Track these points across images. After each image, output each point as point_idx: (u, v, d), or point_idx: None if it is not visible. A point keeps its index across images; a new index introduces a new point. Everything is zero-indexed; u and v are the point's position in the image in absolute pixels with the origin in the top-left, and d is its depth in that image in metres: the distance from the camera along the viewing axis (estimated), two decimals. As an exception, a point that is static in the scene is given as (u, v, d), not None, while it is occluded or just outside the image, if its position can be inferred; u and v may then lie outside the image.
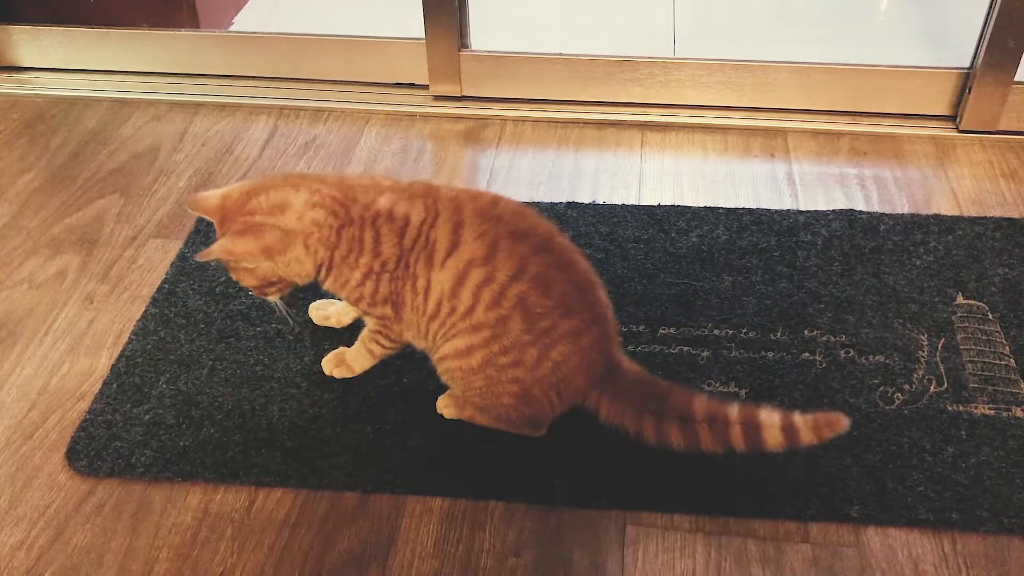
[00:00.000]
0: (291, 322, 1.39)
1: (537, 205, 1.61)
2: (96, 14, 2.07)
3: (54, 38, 2.00)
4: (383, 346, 1.25)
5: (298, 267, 1.16)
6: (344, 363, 1.31)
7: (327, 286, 1.20)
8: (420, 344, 1.21)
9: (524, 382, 1.13)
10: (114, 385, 1.31)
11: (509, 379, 1.13)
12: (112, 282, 1.50)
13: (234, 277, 1.20)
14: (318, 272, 1.18)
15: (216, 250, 1.13)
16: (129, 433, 1.24)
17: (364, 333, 1.26)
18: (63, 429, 1.26)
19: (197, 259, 1.15)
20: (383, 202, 1.15)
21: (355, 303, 1.20)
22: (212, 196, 1.17)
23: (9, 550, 1.12)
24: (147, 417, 1.26)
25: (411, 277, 1.14)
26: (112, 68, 2.02)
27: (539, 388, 1.14)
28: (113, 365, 1.34)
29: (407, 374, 1.31)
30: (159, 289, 1.47)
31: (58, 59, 2.03)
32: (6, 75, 2.03)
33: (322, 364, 1.32)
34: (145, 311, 1.43)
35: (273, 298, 1.22)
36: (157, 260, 1.54)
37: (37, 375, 1.34)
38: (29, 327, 1.42)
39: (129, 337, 1.39)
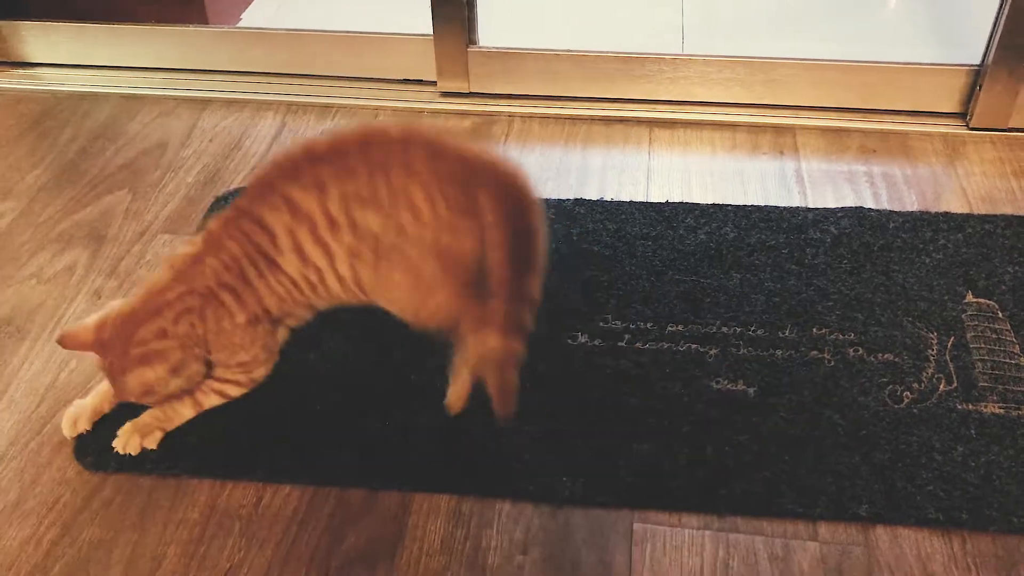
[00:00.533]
0: None
1: (544, 202, 1.61)
2: (105, 10, 2.07)
3: (63, 34, 2.01)
4: (241, 384, 1.26)
5: (195, 377, 1.22)
6: (151, 431, 1.23)
7: (214, 358, 1.22)
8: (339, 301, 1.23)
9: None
10: (122, 381, 1.31)
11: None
12: (120, 277, 1.50)
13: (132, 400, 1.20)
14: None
15: (143, 381, 1.16)
16: (137, 429, 1.24)
17: (205, 384, 1.25)
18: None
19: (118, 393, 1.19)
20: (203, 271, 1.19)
21: (247, 348, 1.22)
22: (86, 331, 1.18)
23: (18, 544, 1.12)
24: (155, 413, 1.26)
25: (286, 275, 1.18)
26: (121, 64, 2.02)
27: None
28: (121, 361, 1.34)
29: (414, 371, 1.30)
30: (167, 285, 1.47)
31: (67, 55, 2.03)
32: (16, 71, 2.03)
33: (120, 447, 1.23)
34: (153, 307, 1.43)
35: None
36: (164, 256, 1.54)
37: (45, 370, 1.35)
38: (38, 322, 1.43)
39: (137, 333, 1.39)
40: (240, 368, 1.24)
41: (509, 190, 1.15)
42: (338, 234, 1.14)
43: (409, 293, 1.18)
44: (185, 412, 1.24)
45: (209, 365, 1.23)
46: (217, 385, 1.25)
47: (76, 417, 1.25)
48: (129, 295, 1.22)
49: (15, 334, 1.41)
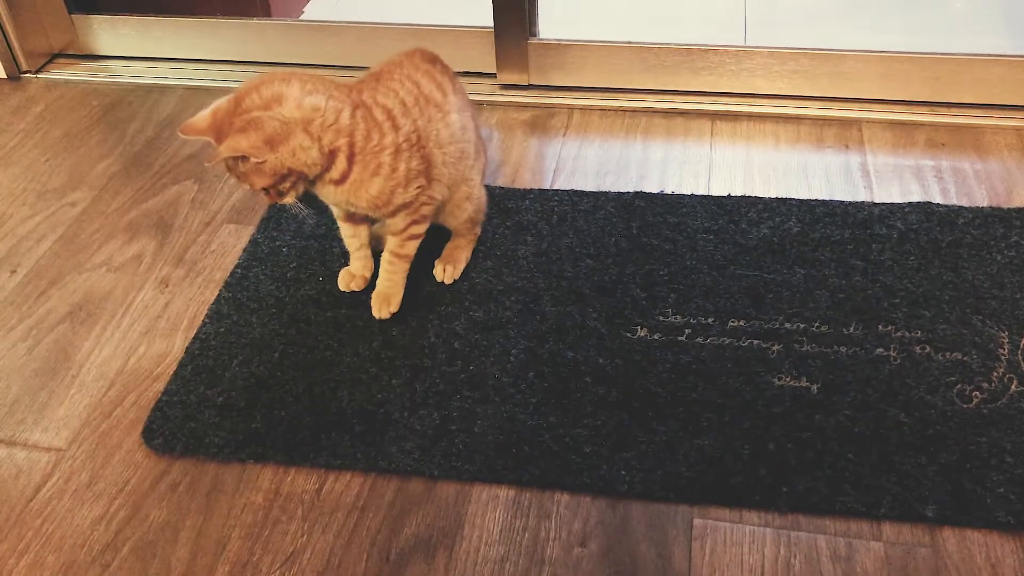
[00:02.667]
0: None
1: (604, 195, 1.60)
2: (172, 3, 2.11)
3: (131, 27, 2.05)
4: (418, 235, 1.35)
5: (304, 155, 1.19)
6: (388, 297, 1.38)
7: (347, 187, 1.24)
8: (443, 194, 1.34)
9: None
10: (188, 367, 1.34)
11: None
12: (187, 266, 1.54)
13: (247, 184, 1.21)
14: (331, 172, 1.22)
15: (223, 150, 1.15)
16: (203, 414, 1.27)
17: (391, 245, 1.35)
18: (140, 409, 1.30)
19: (206, 164, 1.18)
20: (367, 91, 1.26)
21: (388, 197, 1.26)
22: (202, 116, 1.20)
23: (90, 524, 1.16)
24: (220, 399, 1.29)
25: (431, 134, 1.28)
26: (186, 56, 2.06)
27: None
28: (187, 347, 1.37)
29: (473, 362, 1.31)
30: (232, 273, 1.50)
31: (135, 47, 2.08)
32: (86, 63, 2.08)
33: (374, 313, 1.39)
34: (218, 295, 1.46)
35: (290, 198, 1.23)
36: (230, 245, 1.57)
37: (115, 356, 1.38)
38: (107, 309, 1.46)
39: (203, 320, 1.42)
40: (406, 209, 1.30)
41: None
42: (427, 108, 1.30)
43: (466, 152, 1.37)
44: (400, 268, 1.37)
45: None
46: (403, 234, 1.33)
47: (350, 279, 1.43)
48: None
49: (86, 320, 1.44)
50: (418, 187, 1.28)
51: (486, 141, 1.78)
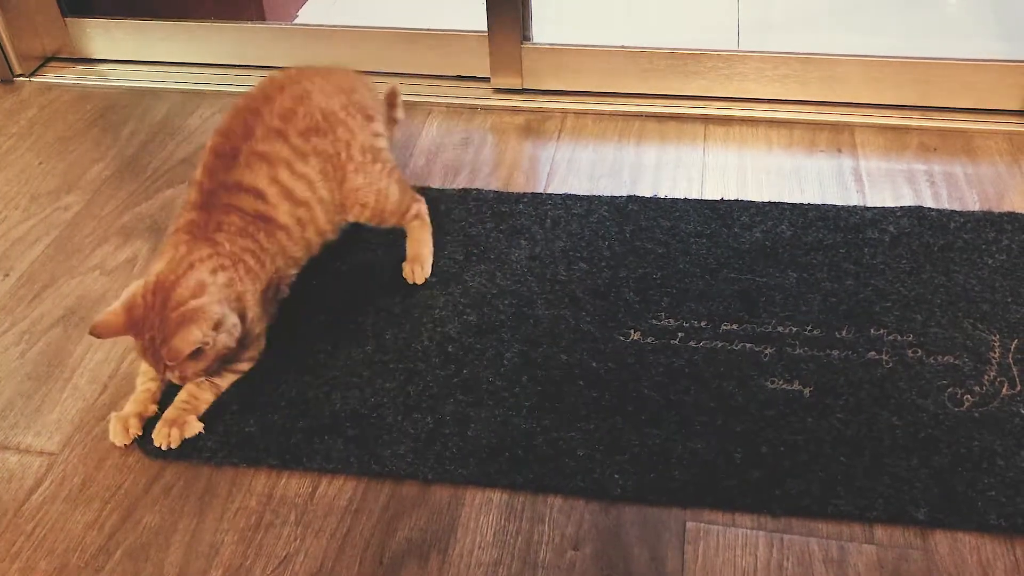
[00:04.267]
0: None
1: (598, 199, 1.61)
2: (166, 7, 2.11)
3: (125, 30, 2.05)
4: (252, 360, 1.32)
5: (235, 331, 1.22)
6: (184, 420, 1.24)
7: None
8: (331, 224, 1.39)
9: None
10: (182, 370, 1.34)
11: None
12: (180, 270, 1.53)
13: (175, 373, 1.20)
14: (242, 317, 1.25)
15: (181, 347, 1.15)
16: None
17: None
18: (133, 412, 1.29)
19: (169, 362, 1.17)
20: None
21: (260, 320, 1.31)
22: (116, 315, 1.19)
23: (83, 528, 1.15)
24: (213, 403, 1.28)
25: (282, 226, 1.32)
26: (181, 60, 2.06)
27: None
28: (181, 351, 1.37)
29: (467, 365, 1.31)
30: (225, 277, 1.50)
31: (129, 51, 2.08)
32: (80, 66, 2.08)
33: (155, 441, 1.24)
34: (212, 299, 1.46)
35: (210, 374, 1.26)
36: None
37: (108, 360, 1.38)
38: (101, 312, 1.46)
39: (196, 324, 1.41)
40: (254, 343, 1.31)
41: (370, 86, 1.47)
42: (309, 162, 1.33)
43: (372, 193, 1.40)
44: (206, 396, 1.27)
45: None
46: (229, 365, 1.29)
47: (126, 425, 1.23)
48: (141, 278, 1.23)
49: (79, 324, 1.44)
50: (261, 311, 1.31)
51: (479, 145, 1.79)
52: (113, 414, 1.25)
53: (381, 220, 1.44)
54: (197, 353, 1.18)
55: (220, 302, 1.20)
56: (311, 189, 1.34)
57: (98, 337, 1.21)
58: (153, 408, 1.27)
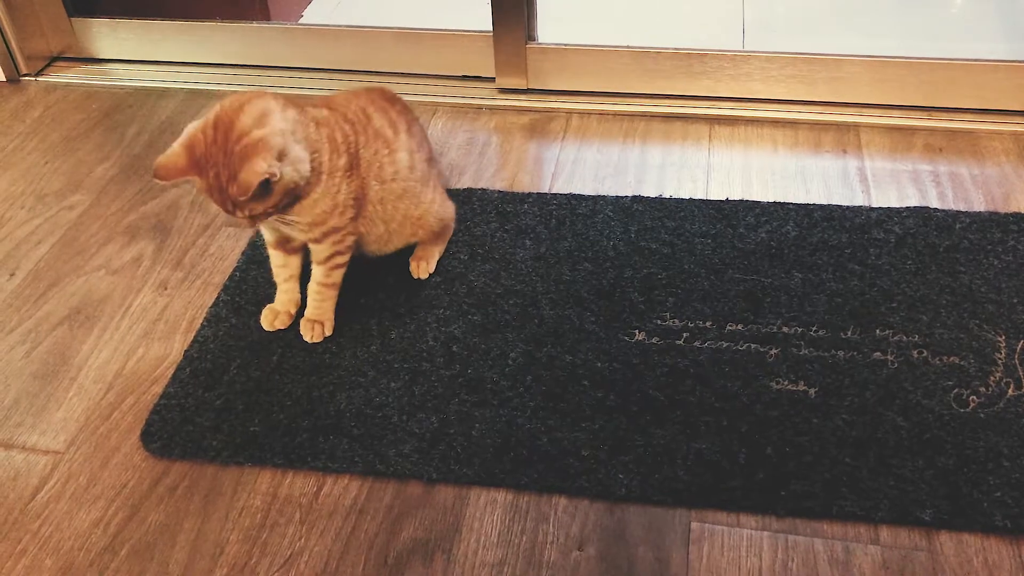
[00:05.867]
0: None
1: (603, 199, 1.61)
2: (171, 7, 2.12)
3: (131, 30, 2.06)
4: (342, 264, 1.34)
5: (303, 168, 1.18)
6: (318, 321, 1.37)
7: (303, 205, 1.23)
8: (378, 230, 1.36)
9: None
10: (187, 370, 1.34)
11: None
12: (185, 269, 1.54)
13: (243, 212, 1.16)
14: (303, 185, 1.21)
15: (250, 179, 1.09)
16: (201, 417, 1.27)
17: (317, 275, 1.34)
18: (138, 412, 1.30)
19: (239, 198, 1.11)
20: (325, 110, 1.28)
21: (325, 217, 1.26)
22: (176, 156, 1.13)
23: (88, 526, 1.16)
24: (218, 402, 1.29)
25: (373, 167, 1.30)
26: (186, 60, 2.07)
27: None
28: (186, 350, 1.37)
29: (471, 365, 1.31)
30: (231, 277, 1.50)
31: (134, 51, 2.08)
32: (85, 66, 2.09)
33: (305, 337, 1.37)
34: (217, 298, 1.46)
35: (274, 220, 1.23)
36: (229, 248, 1.57)
37: (114, 358, 1.38)
38: (106, 312, 1.46)
39: (201, 323, 1.42)
40: (335, 235, 1.29)
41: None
42: (374, 142, 1.33)
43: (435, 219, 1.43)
44: (329, 296, 1.36)
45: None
46: (328, 263, 1.33)
47: (275, 318, 1.38)
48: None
49: (85, 323, 1.44)
50: (350, 216, 1.29)
51: (484, 145, 1.79)
52: (268, 306, 1.40)
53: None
54: (265, 187, 1.12)
55: (283, 133, 1.14)
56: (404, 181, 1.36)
57: (161, 180, 1.14)
58: (296, 307, 1.39)
